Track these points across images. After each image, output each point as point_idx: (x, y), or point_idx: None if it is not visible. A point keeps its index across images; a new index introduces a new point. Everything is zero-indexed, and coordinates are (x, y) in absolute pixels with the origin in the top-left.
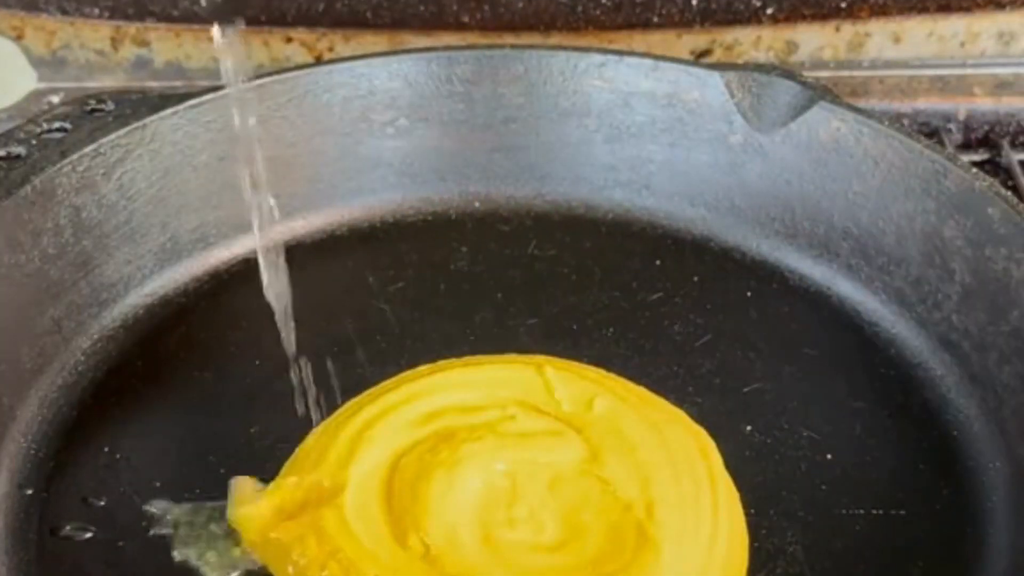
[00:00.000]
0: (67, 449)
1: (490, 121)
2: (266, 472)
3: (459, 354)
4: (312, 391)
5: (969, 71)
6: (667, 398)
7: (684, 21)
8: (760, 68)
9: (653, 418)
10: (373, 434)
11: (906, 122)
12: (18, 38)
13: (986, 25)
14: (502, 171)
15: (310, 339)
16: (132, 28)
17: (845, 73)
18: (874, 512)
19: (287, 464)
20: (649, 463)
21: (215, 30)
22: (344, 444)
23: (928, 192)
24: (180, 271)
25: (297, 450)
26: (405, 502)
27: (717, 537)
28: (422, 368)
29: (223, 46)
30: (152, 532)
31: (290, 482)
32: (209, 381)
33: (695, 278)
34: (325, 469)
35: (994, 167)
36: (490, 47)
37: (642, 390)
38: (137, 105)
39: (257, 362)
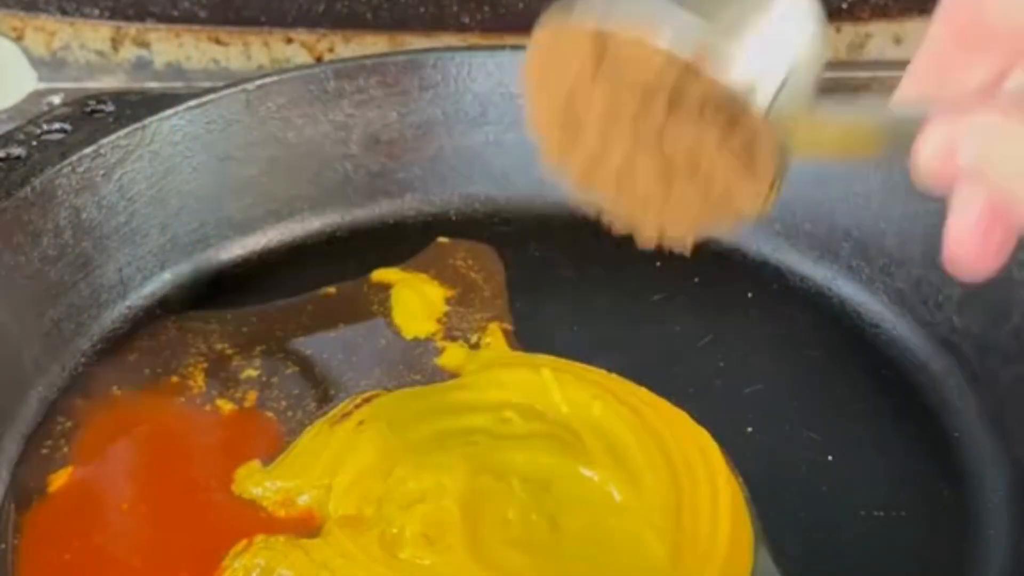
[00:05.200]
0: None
1: (490, 121)
2: None
3: None
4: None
5: None
6: (668, 399)
7: None
8: None
9: (653, 420)
10: (367, 436)
11: None
12: (18, 39)
13: None
14: (502, 172)
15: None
16: (132, 29)
17: (846, 74)
18: (875, 513)
19: (278, 461)
20: (648, 467)
21: None
22: (336, 446)
23: (929, 193)
24: (180, 272)
25: (290, 448)
26: (397, 508)
27: (717, 539)
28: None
29: None
30: None
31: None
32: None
33: (696, 279)
34: (315, 471)
35: None
36: (491, 48)
37: (643, 391)
38: (137, 106)
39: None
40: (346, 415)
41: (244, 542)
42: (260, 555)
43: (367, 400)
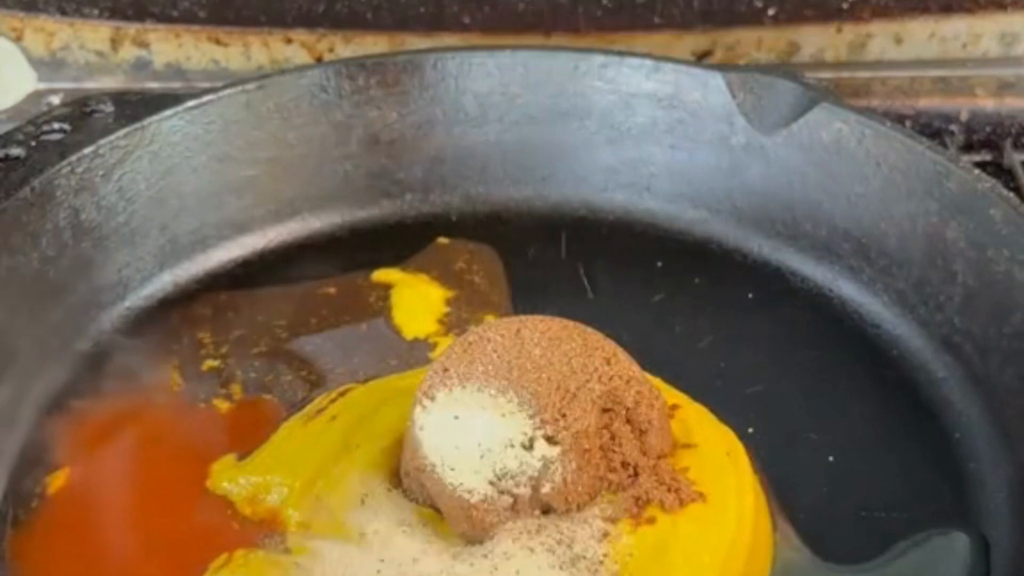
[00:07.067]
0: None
1: (491, 122)
2: None
3: None
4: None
5: (971, 72)
6: None
7: (685, 22)
8: (762, 69)
9: (681, 419)
10: (336, 433)
11: (908, 123)
12: (18, 39)
13: (988, 26)
14: (502, 172)
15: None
16: (132, 29)
17: (847, 74)
18: (876, 514)
19: (252, 457)
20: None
21: None
22: (305, 444)
23: (930, 193)
24: (180, 273)
25: (264, 444)
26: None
27: (738, 544)
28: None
29: None
30: None
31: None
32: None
33: (696, 280)
34: (282, 470)
35: (996, 168)
36: (491, 48)
37: (670, 388)
38: (136, 106)
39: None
40: (321, 410)
41: (224, 556)
42: (238, 573)
43: (342, 394)
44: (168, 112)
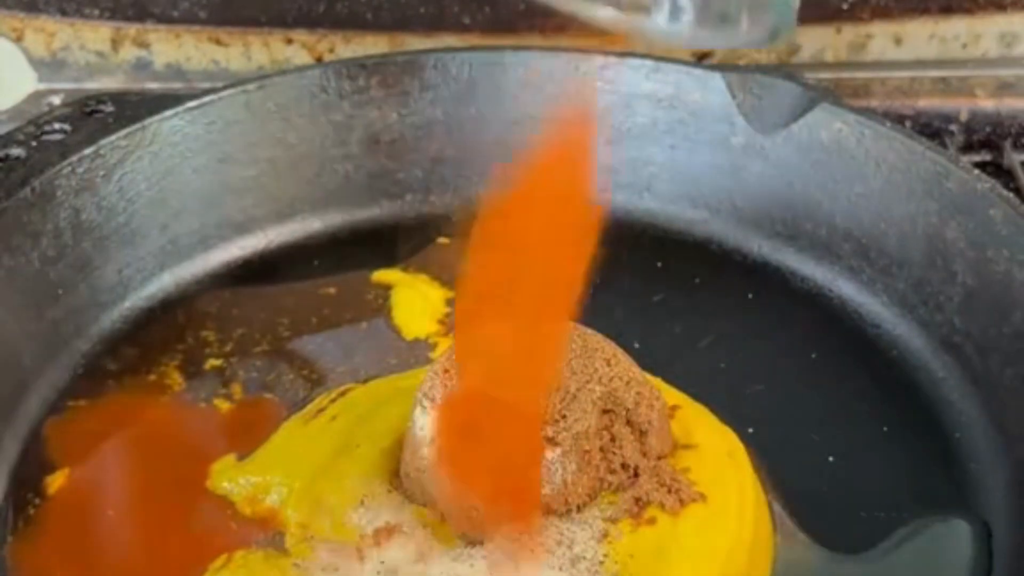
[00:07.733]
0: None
1: (491, 122)
2: None
3: None
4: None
5: (971, 72)
6: None
7: None
8: (762, 69)
9: (681, 420)
10: (336, 434)
11: (908, 124)
12: (18, 39)
13: (988, 26)
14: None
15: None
16: (132, 29)
17: (847, 74)
18: (876, 514)
19: (252, 457)
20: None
21: None
22: (306, 444)
23: (930, 194)
24: (180, 273)
25: (264, 444)
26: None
27: (739, 544)
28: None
29: None
30: None
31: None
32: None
33: (696, 280)
34: (282, 470)
35: (996, 168)
36: (491, 48)
37: (670, 388)
38: (137, 107)
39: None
40: (321, 410)
41: (224, 557)
42: (237, 574)
43: (342, 394)
44: (168, 112)
